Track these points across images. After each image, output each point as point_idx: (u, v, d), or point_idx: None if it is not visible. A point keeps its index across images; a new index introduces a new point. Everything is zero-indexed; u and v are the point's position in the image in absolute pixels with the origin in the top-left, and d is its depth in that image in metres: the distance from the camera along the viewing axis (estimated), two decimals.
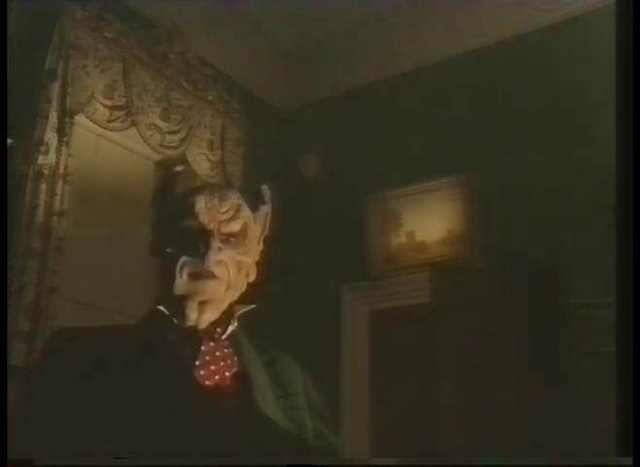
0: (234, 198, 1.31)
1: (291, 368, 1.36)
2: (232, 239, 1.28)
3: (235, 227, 1.29)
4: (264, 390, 1.25)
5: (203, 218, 1.26)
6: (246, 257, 1.30)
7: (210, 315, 1.24)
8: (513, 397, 2.73)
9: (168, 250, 1.26)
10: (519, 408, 2.71)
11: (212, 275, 1.23)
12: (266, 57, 4.05)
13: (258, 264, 1.34)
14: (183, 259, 1.23)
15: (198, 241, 1.24)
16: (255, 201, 1.37)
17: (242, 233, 1.30)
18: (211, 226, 1.26)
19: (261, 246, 1.37)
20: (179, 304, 1.23)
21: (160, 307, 1.26)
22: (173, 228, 1.27)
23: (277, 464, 1.16)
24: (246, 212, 1.32)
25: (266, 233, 1.39)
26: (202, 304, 1.23)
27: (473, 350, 2.84)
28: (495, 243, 3.12)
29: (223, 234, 1.26)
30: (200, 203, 1.27)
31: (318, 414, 1.32)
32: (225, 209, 1.28)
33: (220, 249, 1.24)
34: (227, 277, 1.26)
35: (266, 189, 1.40)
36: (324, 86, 3.99)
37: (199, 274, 1.23)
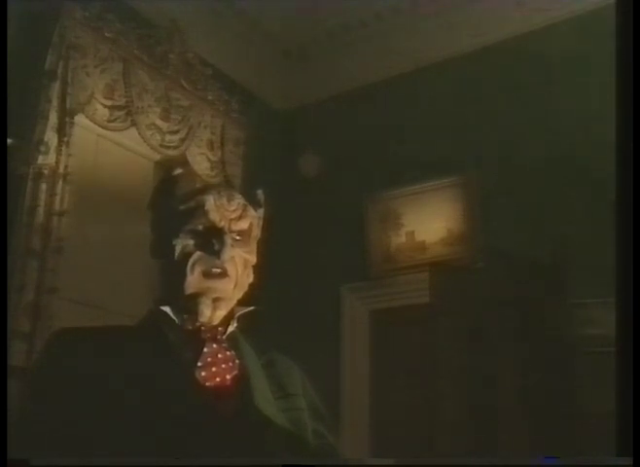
0: (239, 198, 1.32)
1: (290, 368, 1.36)
2: (240, 237, 1.29)
3: (244, 225, 1.30)
4: (263, 391, 1.25)
5: (214, 216, 1.27)
6: (252, 255, 1.32)
7: (222, 312, 1.26)
8: (512, 397, 2.73)
9: (177, 249, 1.26)
10: (519, 407, 2.71)
11: (224, 273, 1.25)
12: (265, 57, 4.05)
13: (255, 266, 1.35)
14: (195, 256, 1.24)
15: (211, 238, 1.25)
16: (253, 204, 1.38)
17: (249, 232, 1.31)
18: (222, 223, 1.27)
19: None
20: (191, 301, 1.24)
21: (164, 308, 1.25)
22: (181, 227, 1.27)
23: (277, 464, 1.16)
24: (252, 211, 1.34)
25: (259, 236, 1.39)
26: (216, 301, 1.25)
27: (473, 350, 2.84)
28: (495, 243, 3.12)
29: (233, 232, 1.28)
30: (210, 202, 1.28)
31: (318, 415, 1.32)
32: (233, 208, 1.29)
33: (232, 246, 1.26)
34: (235, 275, 1.27)
35: (260, 193, 1.41)
36: (324, 86, 3.99)
37: (212, 272, 1.24)
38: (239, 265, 1.28)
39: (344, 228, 3.71)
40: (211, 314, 1.24)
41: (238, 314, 1.30)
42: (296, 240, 3.58)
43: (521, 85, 3.41)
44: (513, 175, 3.27)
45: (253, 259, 1.32)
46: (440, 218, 3.48)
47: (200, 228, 1.26)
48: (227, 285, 1.26)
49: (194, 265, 1.24)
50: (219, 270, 1.25)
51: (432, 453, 2.72)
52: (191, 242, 1.25)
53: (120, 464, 1.08)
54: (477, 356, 2.82)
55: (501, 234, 3.17)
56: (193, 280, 1.24)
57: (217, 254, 1.24)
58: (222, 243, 1.24)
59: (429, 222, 3.51)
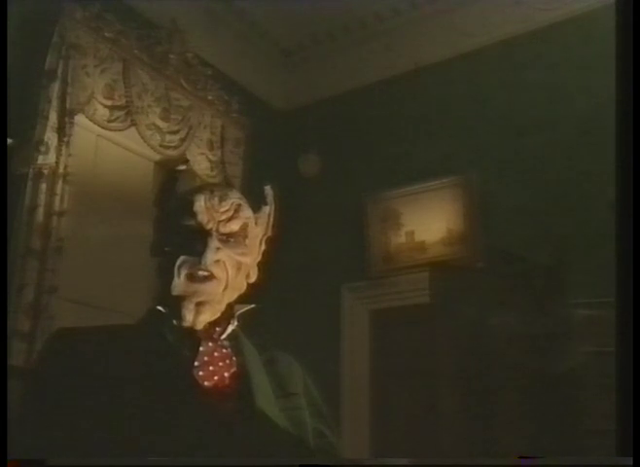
0: (235, 198, 1.30)
1: (291, 367, 1.36)
2: (232, 239, 1.27)
3: (234, 226, 1.27)
4: (263, 390, 1.25)
5: (202, 217, 1.25)
6: (246, 257, 1.29)
7: (207, 316, 1.24)
8: (512, 397, 2.73)
9: (167, 249, 1.26)
10: (519, 408, 2.71)
11: (210, 276, 1.23)
12: (266, 57, 4.05)
13: (260, 264, 1.33)
14: (181, 258, 1.23)
15: (197, 241, 1.23)
16: (257, 202, 1.36)
17: (242, 234, 1.29)
18: (210, 225, 1.25)
19: (263, 247, 1.36)
20: (177, 304, 1.23)
21: (159, 308, 1.25)
22: (173, 227, 1.27)
23: (277, 464, 1.16)
24: (246, 212, 1.31)
25: (270, 233, 1.38)
26: (199, 305, 1.23)
27: (473, 350, 2.84)
28: (495, 243, 3.12)
29: (222, 234, 1.25)
30: (200, 202, 1.26)
31: (318, 414, 1.32)
32: (224, 209, 1.27)
33: (218, 249, 1.23)
34: (225, 277, 1.25)
35: (269, 189, 1.39)
36: (324, 86, 3.99)
37: (197, 275, 1.22)
38: (230, 267, 1.25)
39: (344, 228, 3.71)
40: (193, 319, 1.22)
41: (239, 313, 1.30)
42: (296, 240, 3.58)
43: (521, 85, 3.41)
44: (512, 175, 3.27)
45: (248, 260, 1.30)
46: (440, 218, 3.48)
47: (189, 229, 1.24)
48: (214, 288, 1.24)
49: (180, 267, 1.22)
50: (205, 274, 1.22)
51: (432, 453, 2.71)
52: (178, 244, 1.24)
53: (120, 464, 1.08)
54: (476, 356, 2.82)
55: (501, 234, 3.17)
56: (179, 283, 1.22)
57: (200, 257, 1.21)
58: (205, 246, 1.22)
59: (429, 222, 3.51)
